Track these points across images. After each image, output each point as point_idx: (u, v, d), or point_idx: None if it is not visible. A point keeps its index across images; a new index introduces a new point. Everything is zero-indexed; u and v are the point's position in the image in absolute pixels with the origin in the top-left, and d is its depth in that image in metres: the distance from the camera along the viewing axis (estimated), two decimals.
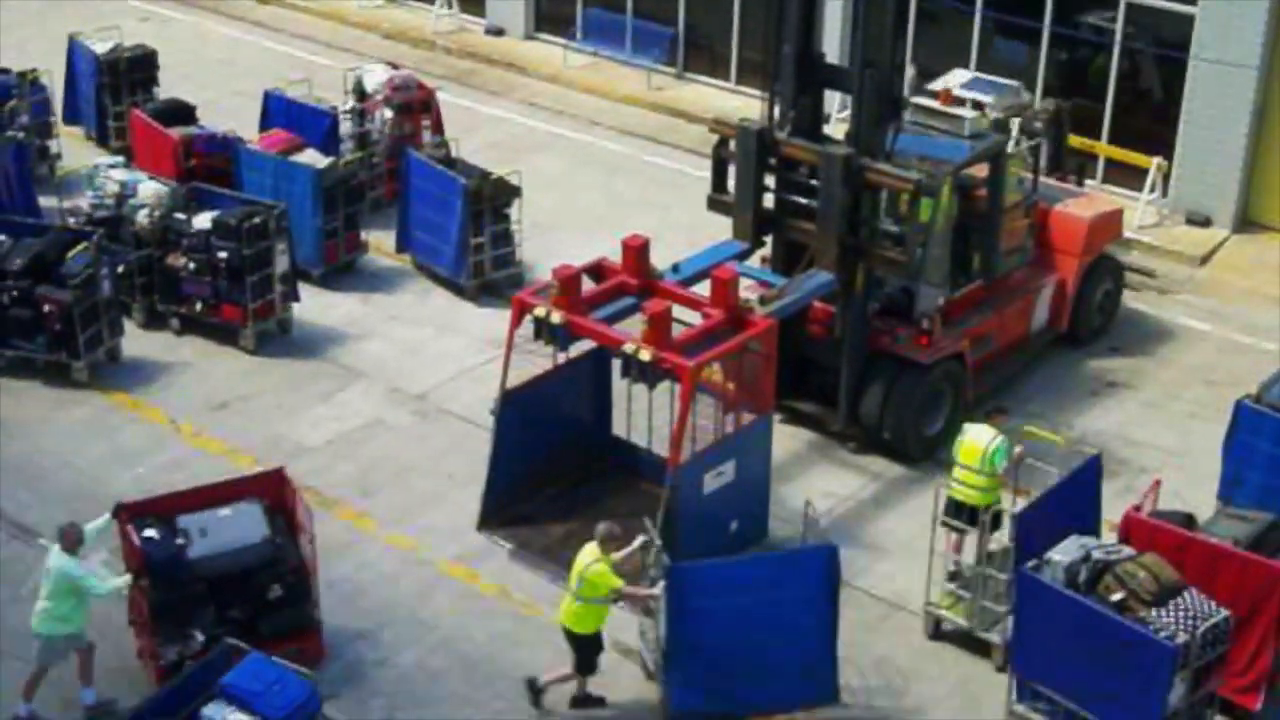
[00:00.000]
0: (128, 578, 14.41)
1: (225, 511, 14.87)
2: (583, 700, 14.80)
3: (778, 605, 14.29)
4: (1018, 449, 15.80)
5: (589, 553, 14.36)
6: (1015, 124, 20.65)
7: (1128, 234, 22.17)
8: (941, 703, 15.02)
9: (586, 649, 14.58)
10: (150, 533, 14.53)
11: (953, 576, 15.80)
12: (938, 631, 15.68)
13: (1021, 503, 15.40)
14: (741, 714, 14.59)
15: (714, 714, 14.54)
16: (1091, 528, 14.93)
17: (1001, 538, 15.42)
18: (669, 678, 14.39)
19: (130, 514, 14.71)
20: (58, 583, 14.15)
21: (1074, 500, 15.00)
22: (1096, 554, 14.04)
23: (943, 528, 15.60)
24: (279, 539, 14.87)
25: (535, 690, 14.77)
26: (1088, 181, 22.57)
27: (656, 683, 14.73)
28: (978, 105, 21.41)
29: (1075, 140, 24.15)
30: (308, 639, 14.98)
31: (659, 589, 14.26)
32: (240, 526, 14.77)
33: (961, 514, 15.70)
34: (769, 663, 14.42)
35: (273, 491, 15.23)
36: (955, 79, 22.11)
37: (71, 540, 14.19)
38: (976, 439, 15.69)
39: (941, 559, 15.64)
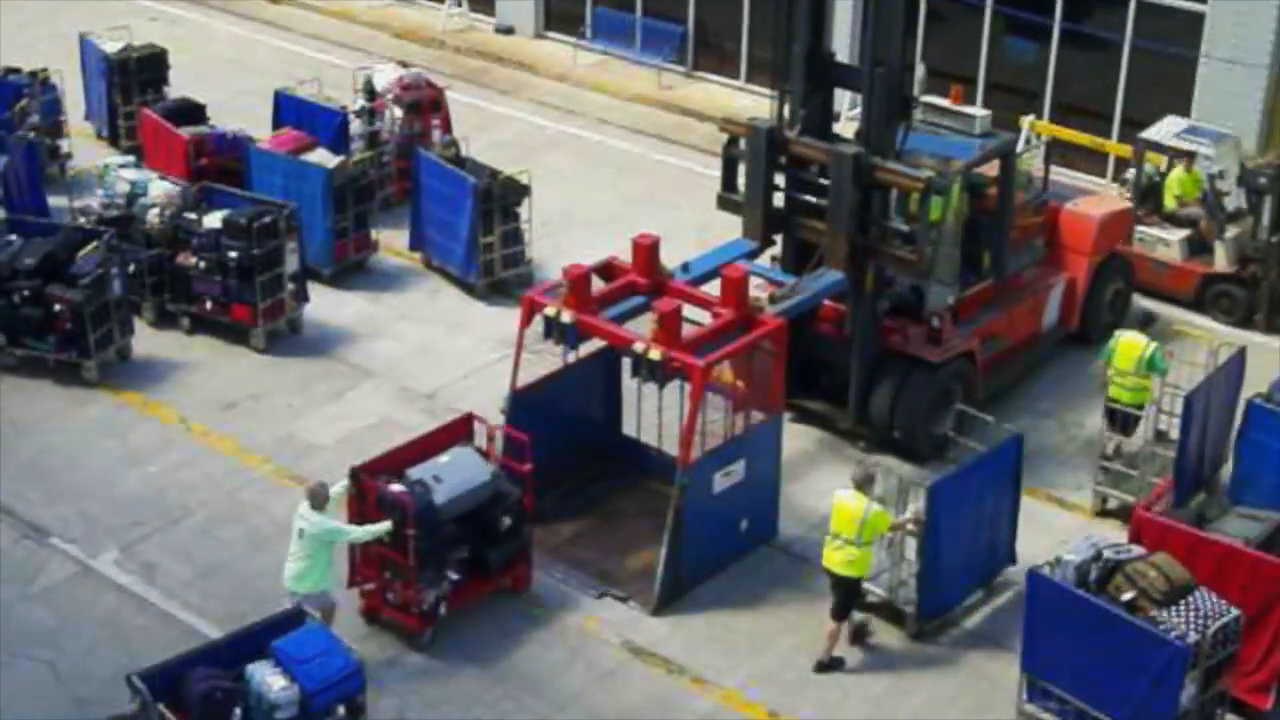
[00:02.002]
0: (387, 524, 14.75)
1: (445, 458, 15.39)
2: (830, 663, 15.29)
3: (988, 496, 15.77)
4: (1167, 349, 17.74)
5: (856, 499, 14.80)
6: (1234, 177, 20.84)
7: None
8: (951, 702, 15.02)
9: (854, 593, 15.16)
10: (397, 486, 14.92)
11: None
12: (1103, 509, 17.19)
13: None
14: (966, 600, 16.06)
15: (954, 608, 15.94)
16: (1233, 412, 16.95)
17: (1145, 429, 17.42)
18: (924, 588, 15.42)
19: (368, 472, 15.15)
20: (318, 539, 14.54)
21: (1224, 388, 16.89)
22: (1107, 553, 14.04)
23: (1105, 424, 17.72)
24: (500, 474, 15.53)
25: (827, 667, 15.25)
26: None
27: (890, 603, 15.70)
28: (1191, 155, 21.22)
29: (1066, 132, 24.06)
30: (519, 568, 15.92)
31: (913, 511, 15.26)
32: (465, 468, 15.36)
33: (1115, 413, 17.56)
34: (983, 547, 15.96)
35: (464, 436, 15.86)
36: (1170, 127, 21.73)
37: (321, 498, 14.61)
38: (1132, 344, 17.43)
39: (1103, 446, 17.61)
